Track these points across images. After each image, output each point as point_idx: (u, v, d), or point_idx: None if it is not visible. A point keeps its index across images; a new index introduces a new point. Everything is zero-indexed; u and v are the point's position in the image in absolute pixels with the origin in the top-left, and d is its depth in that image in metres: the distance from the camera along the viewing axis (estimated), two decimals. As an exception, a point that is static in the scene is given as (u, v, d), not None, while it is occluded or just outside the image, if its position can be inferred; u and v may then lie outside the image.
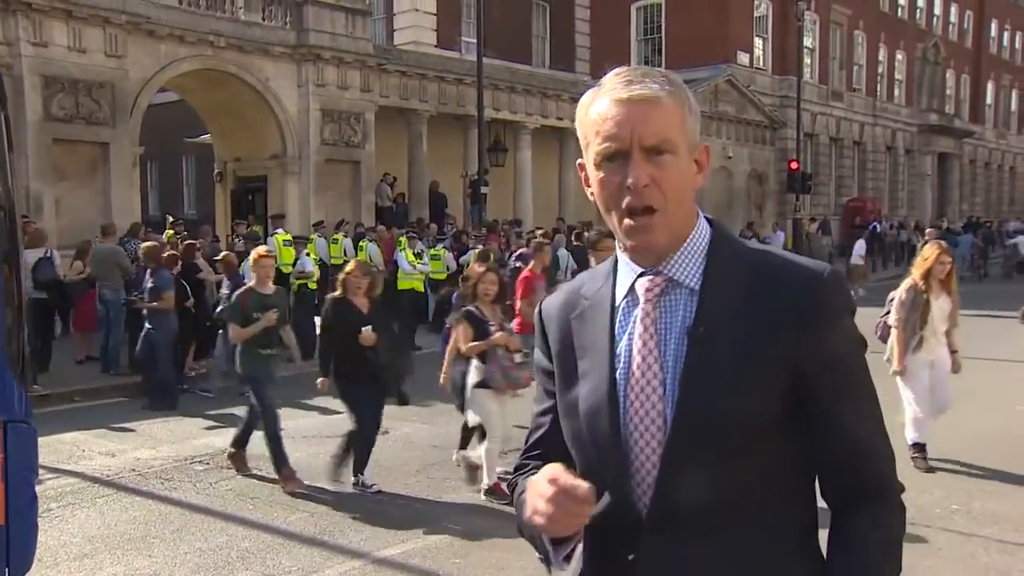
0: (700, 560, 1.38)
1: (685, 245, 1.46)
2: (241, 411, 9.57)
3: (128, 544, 5.70)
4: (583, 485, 1.31)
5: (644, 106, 1.39)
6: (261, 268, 7.30)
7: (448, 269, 15.25)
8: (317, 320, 13.22)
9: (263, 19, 17.80)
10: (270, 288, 7.30)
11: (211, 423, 9.13)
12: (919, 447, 7.00)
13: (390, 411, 9.41)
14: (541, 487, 1.34)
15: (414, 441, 8.25)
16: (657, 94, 1.39)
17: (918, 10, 41.29)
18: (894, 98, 39.45)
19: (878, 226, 31.57)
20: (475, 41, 20.13)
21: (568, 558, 1.40)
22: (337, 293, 6.98)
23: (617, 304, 1.51)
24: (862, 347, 1.47)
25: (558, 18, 29.66)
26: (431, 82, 21.10)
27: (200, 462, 7.63)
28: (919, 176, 41.26)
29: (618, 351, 1.47)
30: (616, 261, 1.54)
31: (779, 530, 1.41)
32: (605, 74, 1.46)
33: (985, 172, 48.62)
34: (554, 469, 1.34)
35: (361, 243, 16.57)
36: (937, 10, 42.94)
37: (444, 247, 16.27)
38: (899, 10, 39.69)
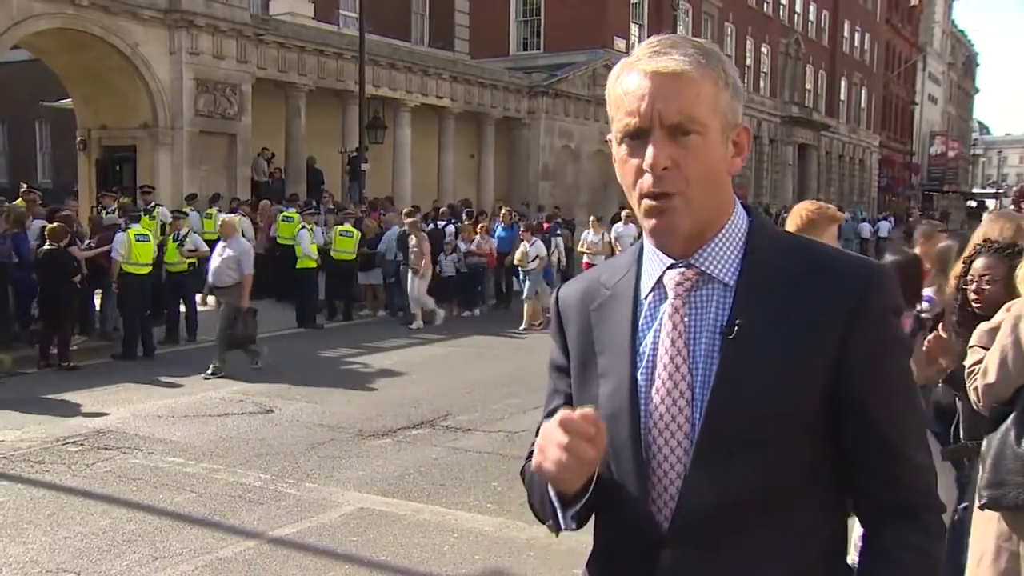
0: (722, 574, 1.30)
1: (719, 235, 1.34)
2: (112, 392, 9.19)
3: (-2, 531, 5.40)
4: (590, 416, 1.23)
5: (669, 80, 1.26)
6: None
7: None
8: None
9: (131, -20, 16.86)
10: None
11: (82, 402, 8.69)
12: None
13: (274, 390, 9.31)
14: (551, 432, 1.25)
15: (300, 420, 8.12)
16: (683, 67, 1.26)
17: (781, 7, 43.23)
18: (760, 90, 41.19)
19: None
20: (353, 15, 19.58)
21: (576, 517, 1.34)
22: None
23: (642, 297, 1.39)
24: (906, 350, 1.40)
25: (438, -5, 29.41)
26: (310, 55, 20.54)
27: (74, 443, 7.26)
28: (782, 165, 43.34)
29: (641, 349, 1.36)
30: (641, 249, 1.42)
31: (807, 543, 1.32)
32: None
33: (839, 163, 51.57)
34: (564, 413, 1.25)
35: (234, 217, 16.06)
36: (798, 8, 45.07)
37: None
38: (765, 5, 41.43)
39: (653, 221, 1.31)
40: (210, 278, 10.49)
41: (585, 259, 15.80)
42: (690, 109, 1.27)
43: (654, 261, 1.39)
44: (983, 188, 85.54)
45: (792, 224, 3.79)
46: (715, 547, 1.30)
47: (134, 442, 7.30)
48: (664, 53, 1.28)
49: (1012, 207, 43.30)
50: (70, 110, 19.72)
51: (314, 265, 13.84)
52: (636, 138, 1.30)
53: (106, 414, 8.25)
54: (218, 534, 5.34)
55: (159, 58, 17.21)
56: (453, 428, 7.86)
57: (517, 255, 14.69)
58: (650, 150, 1.27)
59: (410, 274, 14.28)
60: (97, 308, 12.03)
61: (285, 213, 15.72)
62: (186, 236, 12.36)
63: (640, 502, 1.34)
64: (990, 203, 55.63)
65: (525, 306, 14.34)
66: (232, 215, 11.35)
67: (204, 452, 7.03)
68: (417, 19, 28.74)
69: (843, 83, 50.99)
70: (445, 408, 8.52)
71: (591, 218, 16.98)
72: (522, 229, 15.54)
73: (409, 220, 14.59)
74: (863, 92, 54.10)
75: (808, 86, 46.77)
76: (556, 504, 1.35)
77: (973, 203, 58.48)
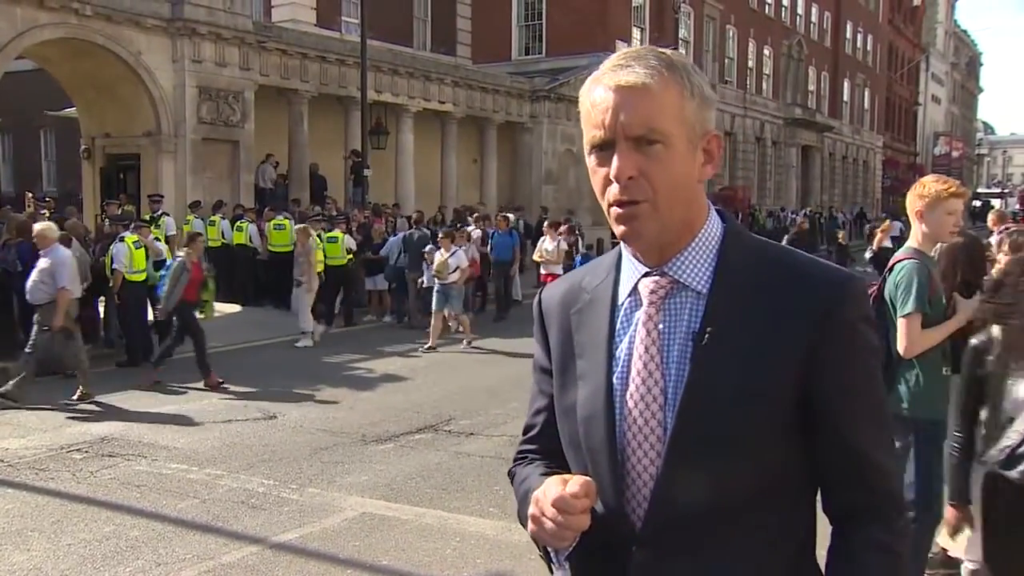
0: (694, 573, 1.34)
1: (692, 244, 1.37)
2: (116, 399, 9.23)
3: (2, 538, 5.41)
4: (580, 493, 1.28)
5: (631, 93, 1.30)
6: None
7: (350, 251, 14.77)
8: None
9: (133, -12, 16.92)
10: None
11: (86, 409, 8.73)
12: None
13: (277, 396, 9.32)
14: (545, 507, 1.30)
15: (304, 426, 8.14)
16: (645, 80, 1.30)
17: (783, 8, 43.26)
18: (762, 91, 41.18)
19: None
20: (355, 21, 19.56)
21: (570, 557, 1.38)
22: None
23: (619, 302, 1.43)
24: (876, 358, 1.42)
25: (440, 0, 29.48)
26: (312, 62, 20.60)
27: (78, 450, 7.29)
28: (785, 167, 43.34)
29: (617, 354, 1.40)
30: (620, 254, 1.46)
31: (777, 544, 1.35)
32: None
33: (843, 165, 51.57)
34: (556, 489, 1.29)
35: (240, 224, 16.12)
36: (800, 9, 45.09)
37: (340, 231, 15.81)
38: (767, 7, 41.48)
39: (622, 227, 1.35)
40: (27, 295, 8.98)
41: (542, 269, 14.61)
42: (653, 120, 1.30)
43: (630, 268, 1.43)
44: (988, 188, 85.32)
45: (912, 197, 3.76)
46: (687, 547, 1.33)
47: (138, 449, 7.33)
48: (627, 66, 1.32)
49: (1018, 207, 43.17)
50: (74, 119, 19.82)
51: (343, 264, 14.24)
52: (603, 149, 1.33)
53: (110, 421, 8.29)
54: (221, 540, 5.36)
55: (162, 66, 17.29)
56: (455, 433, 7.88)
57: (436, 264, 12.90)
58: (615, 161, 1.31)
59: (294, 286, 13.22)
60: (101, 316, 12.06)
61: (276, 221, 15.74)
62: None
63: (615, 502, 1.37)
64: (995, 203, 55.45)
65: (432, 320, 12.71)
66: (48, 223, 9.92)
67: (207, 458, 7.06)
68: (419, 24, 28.79)
69: (846, 84, 51.01)
70: (447, 413, 8.54)
71: (545, 224, 15.92)
72: (440, 236, 13.54)
73: (298, 227, 13.37)
74: (866, 93, 54.12)
75: (811, 88, 46.80)
76: (549, 549, 1.40)
77: (978, 203, 58.34)
